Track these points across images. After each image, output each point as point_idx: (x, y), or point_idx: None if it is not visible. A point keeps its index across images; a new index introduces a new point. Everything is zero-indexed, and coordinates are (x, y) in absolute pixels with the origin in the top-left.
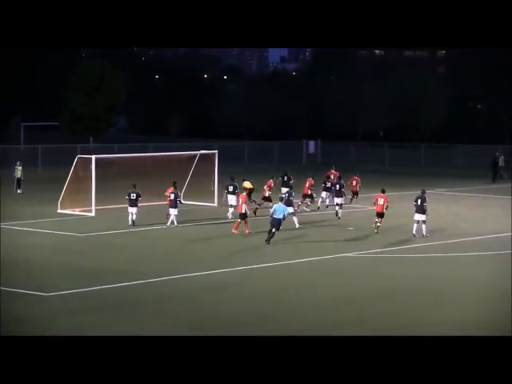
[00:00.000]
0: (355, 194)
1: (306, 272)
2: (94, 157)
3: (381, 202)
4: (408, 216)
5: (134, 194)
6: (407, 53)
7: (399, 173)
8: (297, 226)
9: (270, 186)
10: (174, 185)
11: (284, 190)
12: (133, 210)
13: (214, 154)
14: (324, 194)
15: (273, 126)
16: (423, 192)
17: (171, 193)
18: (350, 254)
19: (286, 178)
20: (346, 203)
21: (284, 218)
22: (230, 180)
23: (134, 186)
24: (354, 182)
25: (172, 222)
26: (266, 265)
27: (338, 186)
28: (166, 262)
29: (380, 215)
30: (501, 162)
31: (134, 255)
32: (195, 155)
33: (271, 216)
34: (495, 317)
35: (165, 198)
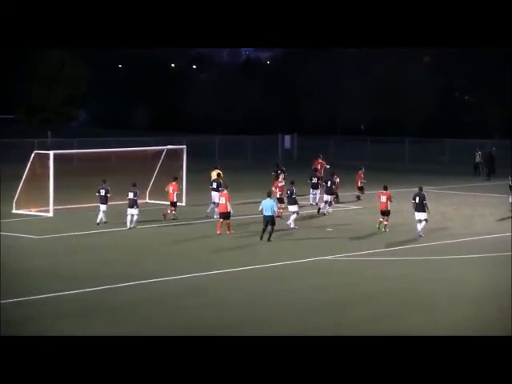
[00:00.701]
0: (360, 189)
1: (286, 275)
2: (52, 152)
3: (383, 199)
4: (398, 215)
5: (103, 190)
6: None
7: (382, 169)
8: (291, 225)
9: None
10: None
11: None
12: (102, 207)
13: (182, 150)
14: (312, 191)
15: (246, 120)
16: (421, 189)
17: (130, 191)
18: (329, 257)
19: (278, 172)
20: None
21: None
22: (217, 176)
23: (104, 182)
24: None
25: (132, 223)
26: (242, 268)
27: (329, 183)
28: (133, 266)
29: (384, 213)
30: (477, 158)
31: (95, 258)
32: (162, 151)
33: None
34: (485, 318)
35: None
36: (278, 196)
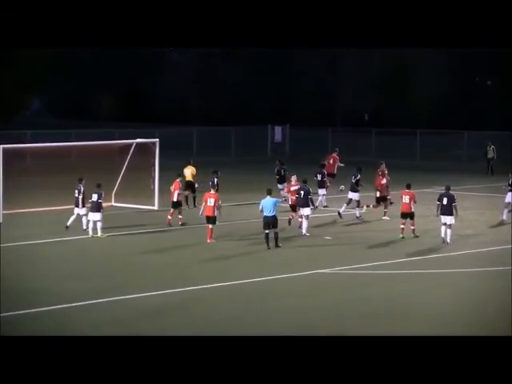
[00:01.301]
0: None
1: (263, 293)
2: (1, 147)
3: (406, 199)
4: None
5: (77, 191)
6: None
7: (390, 166)
8: (303, 231)
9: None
10: (99, 186)
11: (280, 186)
12: (80, 211)
13: (154, 144)
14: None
15: (229, 108)
16: (448, 189)
17: (93, 193)
18: (326, 271)
19: (282, 171)
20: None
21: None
22: (212, 173)
23: (81, 181)
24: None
25: (96, 230)
26: (220, 284)
27: (320, 176)
28: (88, 282)
29: (407, 215)
30: (490, 153)
31: (48, 272)
32: (130, 145)
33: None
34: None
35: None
36: (291, 203)
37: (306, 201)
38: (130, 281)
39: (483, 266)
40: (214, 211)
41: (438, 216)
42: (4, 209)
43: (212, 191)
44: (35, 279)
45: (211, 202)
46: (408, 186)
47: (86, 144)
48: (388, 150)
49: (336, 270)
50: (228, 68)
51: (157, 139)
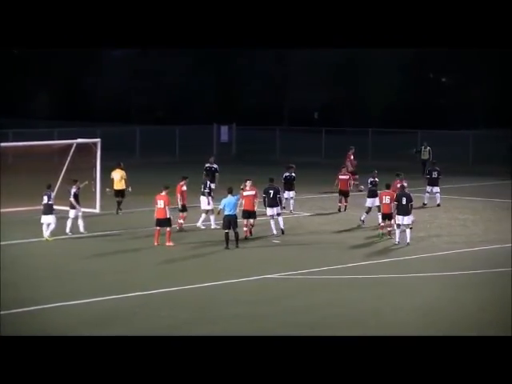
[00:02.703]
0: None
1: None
2: None
3: (387, 200)
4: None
5: (46, 197)
6: None
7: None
8: (276, 232)
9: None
10: (49, 186)
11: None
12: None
13: (95, 144)
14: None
15: (172, 106)
16: (403, 188)
17: (43, 195)
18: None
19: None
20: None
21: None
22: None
23: (49, 187)
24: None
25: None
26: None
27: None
28: (35, 288)
29: (387, 216)
30: (426, 155)
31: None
32: (70, 145)
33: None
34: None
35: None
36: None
37: (275, 200)
38: (67, 287)
39: (441, 271)
40: (166, 213)
41: (394, 217)
42: None
43: (163, 192)
44: None
45: (161, 203)
46: (387, 187)
47: (25, 144)
48: (338, 150)
49: (284, 274)
50: (170, 62)
51: (98, 139)
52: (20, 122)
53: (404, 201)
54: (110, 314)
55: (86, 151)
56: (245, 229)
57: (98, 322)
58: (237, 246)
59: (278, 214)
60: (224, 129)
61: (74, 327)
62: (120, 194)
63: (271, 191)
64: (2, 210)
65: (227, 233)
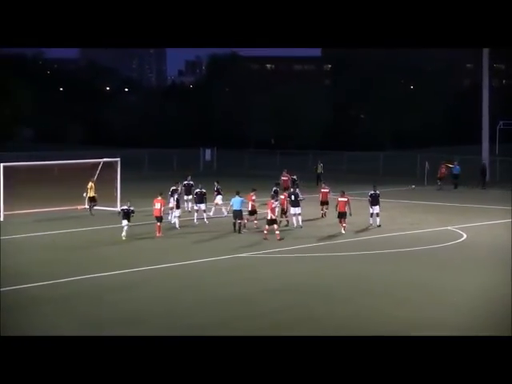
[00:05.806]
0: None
1: (204, 272)
2: (1, 164)
3: (342, 203)
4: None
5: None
6: (296, 66)
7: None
8: (295, 225)
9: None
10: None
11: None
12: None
13: (116, 162)
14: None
15: (170, 136)
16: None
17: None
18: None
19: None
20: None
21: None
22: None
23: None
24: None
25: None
26: (166, 265)
27: (293, 197)
28: (70, 265)
29: (343, 215)
30: (320, 169)
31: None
32: (99, 163)
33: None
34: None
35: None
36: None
37: (297, 202)
38: (101, 262)
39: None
40: (161, 212)
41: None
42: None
43: (159, 197)
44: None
45: (158, 205)
46: (343, 193)
47: (66, 162)
48: (288, 167)
49: (252, 254)
50: (168, 105)
51: (118, 158)
52: (57, 147)
53: (293, 197)
54: (126, 282)
55: (109, 167)
56: (265, 232)
57: (120, 287)
58: (239, 232)
59: (299, 214)
60: (208, 151)
61: (102, 291)
62: (92, 200)
63: (293, 196)
64: (53, 209)
65: (234, 222)
